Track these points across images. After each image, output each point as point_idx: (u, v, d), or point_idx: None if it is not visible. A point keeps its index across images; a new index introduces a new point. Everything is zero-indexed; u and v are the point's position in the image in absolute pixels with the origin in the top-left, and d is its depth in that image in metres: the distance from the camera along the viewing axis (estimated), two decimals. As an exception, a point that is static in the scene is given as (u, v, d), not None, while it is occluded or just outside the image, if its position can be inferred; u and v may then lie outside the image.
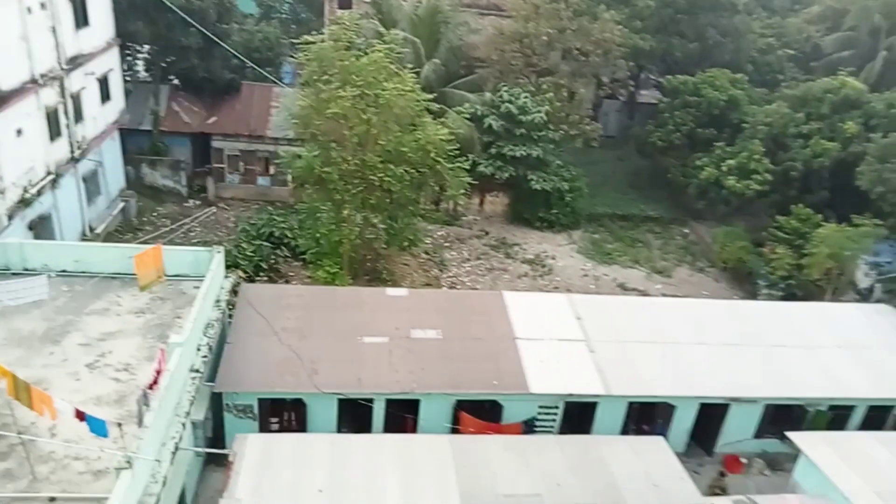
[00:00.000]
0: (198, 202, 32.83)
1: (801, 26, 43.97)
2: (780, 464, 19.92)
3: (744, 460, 19.95)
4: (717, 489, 18.18)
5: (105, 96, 29.40)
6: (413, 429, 18.35)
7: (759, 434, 20.21)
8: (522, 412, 18.80)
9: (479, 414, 18.45)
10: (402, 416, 18.34)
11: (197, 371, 16.13)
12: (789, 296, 28.04)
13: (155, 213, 31.38)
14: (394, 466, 15.23)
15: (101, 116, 29.06)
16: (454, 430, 18.14)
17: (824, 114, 32.05)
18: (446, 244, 31.65)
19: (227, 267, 21.10)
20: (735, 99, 35.81)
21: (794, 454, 17.83)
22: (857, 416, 20.44)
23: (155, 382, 14.41)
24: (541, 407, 18.89)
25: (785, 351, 21.15)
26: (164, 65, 34.32)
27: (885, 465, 16.60)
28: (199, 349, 16.75)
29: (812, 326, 22.48)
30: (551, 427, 19.11)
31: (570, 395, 18.86)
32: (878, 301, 25.32)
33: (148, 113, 33.56)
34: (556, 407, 18.97)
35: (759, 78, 40.34)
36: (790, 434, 17.82)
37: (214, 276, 18.60)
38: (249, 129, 33.73)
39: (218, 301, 18.92)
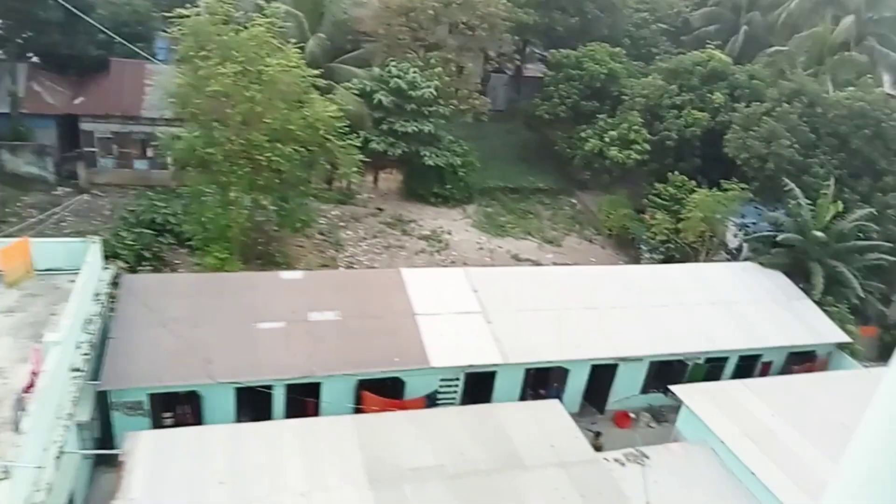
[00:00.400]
0: (68, 190, 30.49)
1: (671, 1, 46.35)
2: (665, 416, 21.45)
3: (632, 415, 21.31)
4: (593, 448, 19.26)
5: (-49, 76, 26.58)
6: (315, 412, 18.19)
7: (646, 389, 21.63)
8: (424, 386, 19.09)
9: (382, 392, 18.56)
10: (304, 400, 18.13)
11: (78, 370, 15.17)
12: (669, 258, 29.95)
13: (20, 204, 28.83)
14: (297, 451, 15.07)
15: (-53, 98, 26.28)
16: (358, 410, 18.15)
17: (695, 85, 34.12)
18: (341, 224, 31.26)
19: (106, 257, 19.87)
20: (614, 72, 37.37)
21: (677, 406, 19.24)
22: (730, 367, 22.30)
23: (31, 385, 13.49)
24: (442, 380, 19.26)
25: (666, 310, 22.66)
26: (20, 41, 31.36)
27: (753, 409, 18.25)
28: (79, 346, 15.74)
29: (689, 286, 24.19)
30: (453, 398, 19.54)
31: (470, 366, 19.34)
32: (746, 259, 27.54)
33: (5, 94, 30.64)
34: (457, 379, 19.40)
35: (636, 52, 42.29)
36: (672, 387, 19.20)
37: (91, 268, 17.49)
38: (122, 109, 31.59)
39: (97, 294, 17.80)
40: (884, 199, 27.19)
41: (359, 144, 26.23)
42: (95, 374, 16.31)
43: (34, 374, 13.57)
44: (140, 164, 32.14)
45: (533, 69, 47.27)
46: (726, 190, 28.87)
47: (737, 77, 33.88)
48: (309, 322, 19.42)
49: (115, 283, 19.19)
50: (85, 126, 31.34)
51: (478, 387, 19.82)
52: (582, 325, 21.40)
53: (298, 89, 23.86)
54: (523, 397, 20.29)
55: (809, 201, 26.44)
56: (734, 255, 29.18)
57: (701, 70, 34.16)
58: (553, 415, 17.84)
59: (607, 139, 34.17)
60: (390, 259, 29.02)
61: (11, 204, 28.65)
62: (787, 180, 27.29)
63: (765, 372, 22.63)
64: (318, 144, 24.71)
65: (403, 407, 18.31)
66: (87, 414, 15.25)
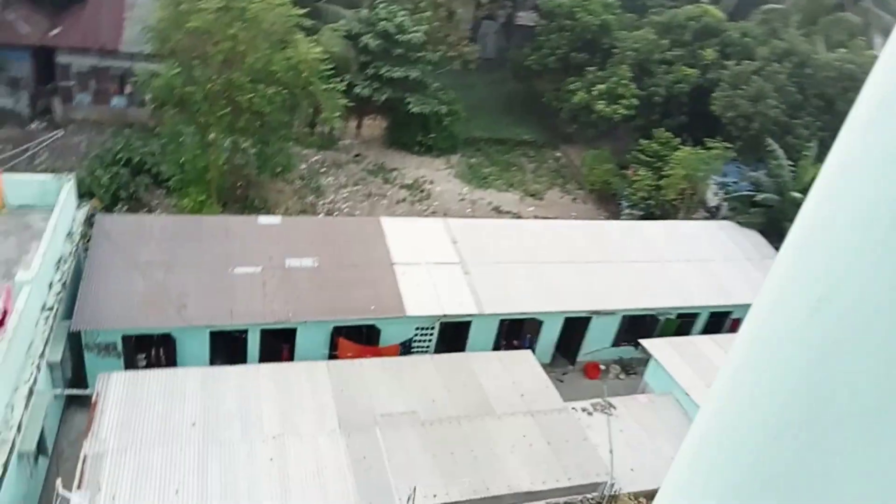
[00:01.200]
0: (43, 125, 29.73)
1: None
2: (634, 368, 21.92)
3: (602, 367, 21.76)
4: None
5: (-82, 1, 25.54)
6: (290, 358, 18.38)
7: (617, 342, 22.00)
8: (400, 334, 19.30)
9: (357, 339, 18.76)
10: (279, 345, 18.30)
11: (50, 309, 15.15)
12: (648, 215, 30.00)
13: (-8, 138, 28.23)
14: (270, 395, 15.30)
15: (-86, 25, 25.31)
16: (332, 356, 18.36)
17: (686, 41, 33.62)
18: (322, 170, 30.92)
19: (81, 196, 19.61)
20: (607, 24, 36.63)
21: (647, 359, 19.66)
22: (701, 323, 22.70)
23: (1, 323, 13.46)
24: (417, 328, 19.47)
25: (641, 266, 22.88)
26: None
27: (719, 364, 18.63)
28: (51, 286, 15.68)
29: (665, 243, 24.39)
30: (427, 347, 19.80)
31: (445, 315, 19.53)
32: (724, 218, 27.71)
33: (-24, 22, 29.54)
34: (432, 328, 19.62)
35: (631, 3, 41.32)
36: (643, 341, 19.59)
37: (65, 206, 17.29)
38: (100, 42, 30.57)
39: (70, 233, 17.65)
40: (864, 163, 27.28)
41: (343, 89, 25.72)
42: (68, 314, 16.30)
43: (5, 312, 13.53)
44: (118, 101, 31.35)
45: (525, 17, 46.16)
46: (710, 148, 28.82)
47: (729, 34, 33.39)
48: (286, 268, 19.42)
49: (89, 223, 18.99)
50: (61, 59, 30.37)
51: (453, 336, 20.07)
52: (558, 278, 21.59)
53: (283, 29, 23.20)
54: (497, 347, 20.57)
55: (791, 162, 26.50)
56: (713, 214, 29.35)
57: (694, 25, 33.62)
58: (525, 365, 18.18)
59: (595, 92, 33.74)
60: (371, 207, 28.88)
61: (-17, 138, 28.00)
62: (770, 140, 27.26)
63: (734, 328, 23.04)
64: (301, 87, 24.19)
65: (378, 354, 18.55)
66: (58, 354, 15.31)
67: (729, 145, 29.06)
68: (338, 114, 26.03)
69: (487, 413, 16.30)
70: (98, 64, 30.70)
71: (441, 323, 19.65)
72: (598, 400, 17.65)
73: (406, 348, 19.42)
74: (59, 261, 16.45)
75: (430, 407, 16.08)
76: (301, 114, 27.11)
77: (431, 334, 19.70)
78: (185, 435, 13.78)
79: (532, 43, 38.72)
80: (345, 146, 33.10)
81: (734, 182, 28.51)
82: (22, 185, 18.09)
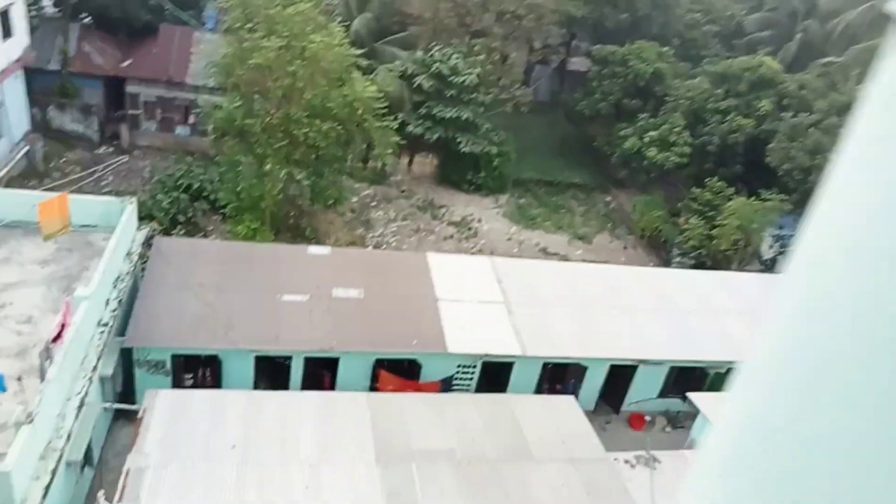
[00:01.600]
0: (110, 149, 31.15)
1: (726, 4, 45.28)
2: (681, 421, 21.18)
3: (647, 418, 21.10)
4: None
5: (6, 31, 27.25)
6: (332, 387, 18.41)
7: (663, 394, 21.35)
8: (441, 371, 19.16)
9: (399, 372, 18.70)
10: (321, 373, 18.37)
11: (105, 325, 15.58)
12: (699, 265, 29.38)
13: (63, 160, 29.60)
14: (310, 423, 15.30)
15: (2, 53, 26.98)
16: (373, 388, 18.32)
17: (742, 91, 33.33)
18: (373, 204, 31.40)
19: (141, 218, 20.32)
20: (661, 72, 36.67)
21: (694, 413, 18.98)
22: (752, 378, 21.84)
23: (59, 336, 13.89)
24: (459, 366, 19.31)
25: (691, 317, 22.30)
26: (74, 0, 32.06)
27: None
28: (107, 303, 16.16)
29: (717, 294, 23.75)
30: (468, 385, 19.58)
31: (488, 355, 19.33)
32: (780, 272, 26.92)
33: (56, 52, 31.34)
34: (474, 366, 19.43)
35: (685, 52, 41.41)
36: (690, 395, 18.94)
37: (126, 227, 17.92)
38: (168, 74, 32.08)
39: (129, 253, 18.24)
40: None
41: (396, 126, 26.25)
42: (122, 331, 16.74)
43: (62, 325, 13.97)
44: (181, 130, 32.67)
45: (578, 63, 46.60)
46: (765, 200, 28.23)
47: (786, 85, 33.00)
48: (332, 298, 19.61)
49: (147, 244, 19.61)
50: (131, 89, 31.92)
51: (494, 376, 19.83)
52: (604, 323, 21.21)
53: (340, 67, 23.90)
54: (539, 391, 20.22)
55: (851, 218, 25.67)
56: (768, 267, 28.59)
57: (750, 76, 33.34)
58: (567, 411, 17.79)
59: (647, 139, 33.62)
60: (418, 242, 29.09)
61: (55, 159, 29.40)
62: (829, 194, 26.51)
63: (788, 387, 22.14)
64: (355, 123, 24.77)
65: (418, 389, 18.43)
66: (110, 368, 15.69)
67: (785, 197, 28.45)
68: (390, 150, 26.51)
69: (526, 457, 15.94)
70: (165, 94, 32.14)
71: (483, 362, 19.45)
72: (642, 452, 17.05)
73: (447, 385, 19.25)
74: (116, 279, 16.98)
75: (468, 446, 15.83)
76: (355, 149, 27.68)
77: (473, 373, 19.50)
78: (225, 456, 13.84)
79: (584, 88, 38.98)
80: (395, 182, 33.60)
81: (791, 235, 27.78)
82: (87, 206, 18.84)
